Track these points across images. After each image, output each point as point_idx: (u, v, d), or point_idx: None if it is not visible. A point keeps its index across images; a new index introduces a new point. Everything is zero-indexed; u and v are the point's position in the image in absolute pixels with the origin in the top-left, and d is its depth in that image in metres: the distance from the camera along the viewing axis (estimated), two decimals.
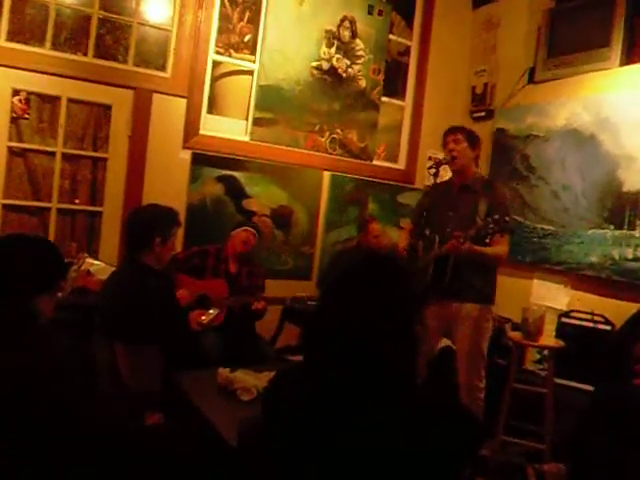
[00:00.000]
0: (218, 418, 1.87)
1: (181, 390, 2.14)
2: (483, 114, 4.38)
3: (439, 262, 2.75)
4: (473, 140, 2.90)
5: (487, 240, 2.67)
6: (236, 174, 3.80)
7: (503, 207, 2.77)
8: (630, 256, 3.28)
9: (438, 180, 3.01)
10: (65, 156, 3.39)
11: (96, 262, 3.32)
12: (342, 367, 1.13)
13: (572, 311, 3.47)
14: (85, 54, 3.37)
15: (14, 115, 3.21)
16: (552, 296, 3.67)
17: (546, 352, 3.27)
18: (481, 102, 4.40)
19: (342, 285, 1.26)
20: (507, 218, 2.61)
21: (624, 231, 3.32)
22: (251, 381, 2.03)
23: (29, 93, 3.22)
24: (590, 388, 2.93)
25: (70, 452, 1.39)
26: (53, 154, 3.35)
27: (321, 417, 1.11)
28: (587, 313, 3.39)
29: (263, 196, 3.92)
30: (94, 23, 3.38)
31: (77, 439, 1.44)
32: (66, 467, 1.36)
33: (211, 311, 2.78)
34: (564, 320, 3.44)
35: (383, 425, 1.06)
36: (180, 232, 2.96)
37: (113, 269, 3.03)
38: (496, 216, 2.58)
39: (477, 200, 2.77)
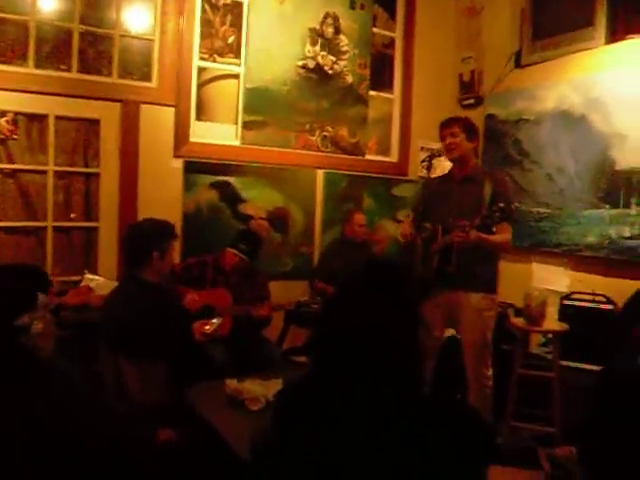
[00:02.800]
0: (228, 430, 1.87)
1: (189, 403, 2.14)
2: (472, 101, 4.36)
3: (443, 252, 2.75)
4: (470, 131, 2.89)
5: (493, 229, 2.68)
6: (230, 179, 3.79)
7: (507, 195, 2.77)
8: (627, 234, 3.28)
9: (431, 172, 3.01)
10: (57, 174, 3.37)
11: (96, 277, 3.32)
12: (348, 376, 1.13)
13: (573, 293, 3.48)
14: (69, 69, 3.35)
15: (2, 137, 3.18)
16: (553, 279, 3.68)
17: (550, 335, 3.29)
18: (469, 89, 4.39)
19: (345, 293, 1.27)
20: (512, 206, 2.61)
21: (620, 210, 3.32)
22: (259, 390, 2.04)
23: (16, 114, 3.19)
24: (596, 368, 2.94)
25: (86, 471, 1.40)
26: (45, 173, 3.33)
27: (332, 428, 1.12)
28: (588, 294, 3.40)
29: (258, 199, 3.91)
30: (75, 37, 3.35)
31: (94, 458, 1.45)
32: None
33: (214, 320, 2.74)
34: (566, 302, 3.44)
35: (398, 437, 1.06)
36: (177, 241, 2.95)
37: (114, 284, 3.02)
38: (502, 204, 2.57)
39: (480, 190, 2.75)
